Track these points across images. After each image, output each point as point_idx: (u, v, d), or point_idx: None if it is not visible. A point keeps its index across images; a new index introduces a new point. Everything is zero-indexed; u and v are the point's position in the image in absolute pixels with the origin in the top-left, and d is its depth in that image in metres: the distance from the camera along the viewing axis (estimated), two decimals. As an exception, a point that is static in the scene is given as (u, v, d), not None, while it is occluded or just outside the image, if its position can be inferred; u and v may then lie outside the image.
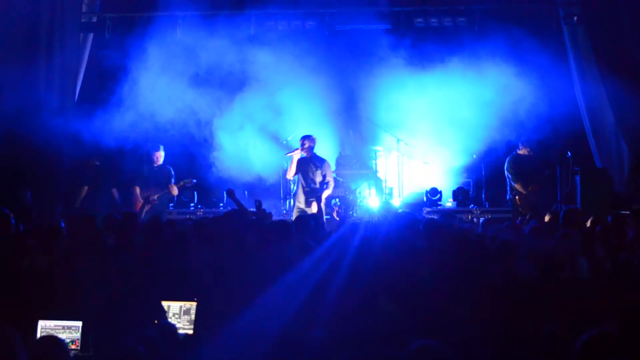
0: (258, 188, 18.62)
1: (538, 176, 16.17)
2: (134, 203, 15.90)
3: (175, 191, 16.02)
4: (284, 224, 10.23)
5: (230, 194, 12.92)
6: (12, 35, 17.12)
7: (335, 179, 17.47)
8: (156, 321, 7.36)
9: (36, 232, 10.33)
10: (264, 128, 18.36)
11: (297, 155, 15.40)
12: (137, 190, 15.99)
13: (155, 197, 15.71)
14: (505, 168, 16.30)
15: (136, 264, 8.13)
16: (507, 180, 16.29)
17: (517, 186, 16.05)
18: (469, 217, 17.40)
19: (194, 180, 16.35)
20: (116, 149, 17.26)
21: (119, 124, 17.41)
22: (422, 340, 5.25)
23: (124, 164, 17.24)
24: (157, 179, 16.05)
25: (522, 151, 16.16)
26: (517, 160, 16.16)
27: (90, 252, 9.01)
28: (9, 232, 10.17)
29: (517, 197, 16.08)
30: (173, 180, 16.05)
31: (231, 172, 18.21)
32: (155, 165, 16.16)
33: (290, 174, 15.44)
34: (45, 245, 9.25)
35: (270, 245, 9.21)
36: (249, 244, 9.37)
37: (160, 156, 16.21)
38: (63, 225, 11.04)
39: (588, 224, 12.34)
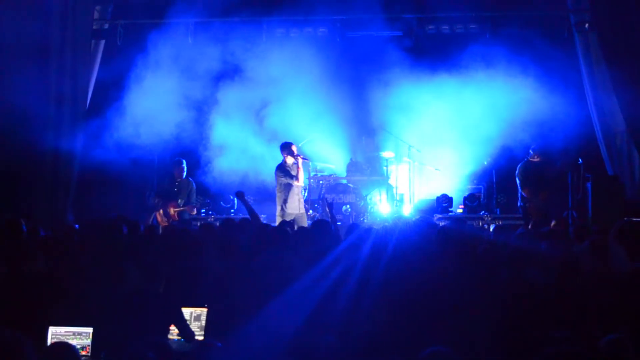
0: (266, 194, 18.71)
1: (549, 183, 16.11)
2: (154, 216, 16.07)
3: (193, 211, 16.35)
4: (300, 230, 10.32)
5: (240, 195, 12.94)
6: (24, 42, 17.19)
7: (345, 185, 17.59)
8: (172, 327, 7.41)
9: (47, 239, 10.37)
10: (274, 134, 18.36)
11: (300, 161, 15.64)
12: (159, 204, 16.16)
13: (175, 213, 15.91)
14: (515, 174, 16.28)
15: (150, 270, 8.12)
16: (518, 186, 16.28)
17: (525, 192, 16.01)
18: (480, 223, 17.39)
19: (198, 203, 16.67)
20: (127, 156, 17.33)
21: (130, 131, 17.48)
22: (434, 347, 5.24)
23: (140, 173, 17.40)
24: (179, 193, 16.26)
25: (533, 158, 16.11)
26: (528, 167, 16.10)
27: (102, 257, 9.03)
28: (19, 239, 10.22)
29: (527, 205, 16.05)
30: (194, 194, 16.28)
31: (240, 179, 18.30)
32: (177, 180, 16.35)
33: (303, 179, 15.57)
34: (56, 251, 9.27)
35: (280, 251, 9.20)
36: (258, 250, 9.36)
37: (182, 170, 16.41)
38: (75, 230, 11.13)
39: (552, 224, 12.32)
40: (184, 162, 16.60)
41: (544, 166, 16.16)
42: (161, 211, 16.14)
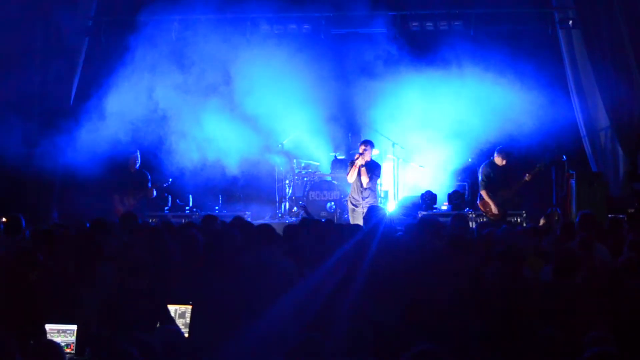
0: (252, 191, 18.72)
1: (509, 185, 16.01)
2: (113, 211, 15.95)
3: (152, 193, 16.24)
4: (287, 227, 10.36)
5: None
6: (8, 40, 17.13)
7: (330, 182, 17.60)
8: (158, 324, 7.36)
9: (31, 236, 10.33)
10: (259, 132, 18.32)
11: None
12: (117, 198, 16.10)
13: (134, 202, 15.91)
14: (478, 172, 16.36)
15: (136, 267, 8.09)
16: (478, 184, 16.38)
17: (482, 192, 16.08)
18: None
19: (170, 180, 16.58)
20: (110, 153, 17.26)
21: (114, 128, 17.41)
22: (422, 345, 5.22)
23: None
24: (135, 184, 16.27)
25: (497, 159, 16.08)
26: (490, 168, 16.13)
27: (87, 255, 8.99)
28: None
29: (479, 203, 16.15)
30: (149, 184, 16.24)
31: (225, 176, 18.31)
32: (132, 170, 16.33)
33: (349, 176, 15.63)
34: (40, 249, 9.22)
35: (264, 249, 9.19)
36: (244, 247, 9.34)
37: (136, 160, 16.37)
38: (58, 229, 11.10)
39: (541, 222, 12.40)
40: (138, 152, 16.64)
41: (508, 169, 16.11)
42: (119, 206, 16.08)
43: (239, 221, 11.40)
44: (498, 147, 16.21)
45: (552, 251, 9.11)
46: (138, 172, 16.51)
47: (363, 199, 15.39)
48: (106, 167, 17.22)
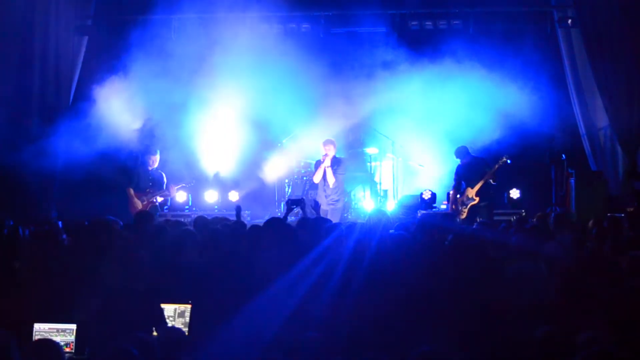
0: (251, 190, 18.71)
1: (471, 183, 16.03)
2: (129, 204, 16.02)
3: (175, 192, 16.28)
4: (279, 226, 10.29)
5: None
6: (6, 39, 17.14)
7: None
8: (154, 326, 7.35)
9: (31, 236, 10.33)
10: (258, 131, 18.33)
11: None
12: (132, 192, 16.12)
13: (154, 198, 15.95)
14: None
15: (134, 266, 8.10)
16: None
17: (450, 192, 16.30)
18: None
19: (194, 180, 16.62)
20: (109, 151, 17.26)
21: (113, 126, 17.42)
22: (424, 347, 5.22)
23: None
24: (152, 182, 16.25)
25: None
26: (457, 168, 16.31)
27: (87, 253, 8.99)
28: (2, 235, 10.20)
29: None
30: (165, 185, 16.28)
31: (225, 175, 18.33)
32: (150, 168, 16.33)
33: (315, 176, 15.94)
34: (39, 248, 9.22)
35: (265, 248, 9.18)
36: (243, 246, 9.34)
37: (156, 160, 16.41)
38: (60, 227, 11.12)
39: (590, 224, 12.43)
40: (158, 151, 16.69)
41: (469, 165, 16.14)
42: (136, 201, 16.15)
43: (224, 221, 11.41)
44: (456, 148, 16.35)
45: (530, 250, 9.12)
46: (155, 171, 16.58)
47: (326, 197, 15.61)
48: (111, 165, 17.25)
